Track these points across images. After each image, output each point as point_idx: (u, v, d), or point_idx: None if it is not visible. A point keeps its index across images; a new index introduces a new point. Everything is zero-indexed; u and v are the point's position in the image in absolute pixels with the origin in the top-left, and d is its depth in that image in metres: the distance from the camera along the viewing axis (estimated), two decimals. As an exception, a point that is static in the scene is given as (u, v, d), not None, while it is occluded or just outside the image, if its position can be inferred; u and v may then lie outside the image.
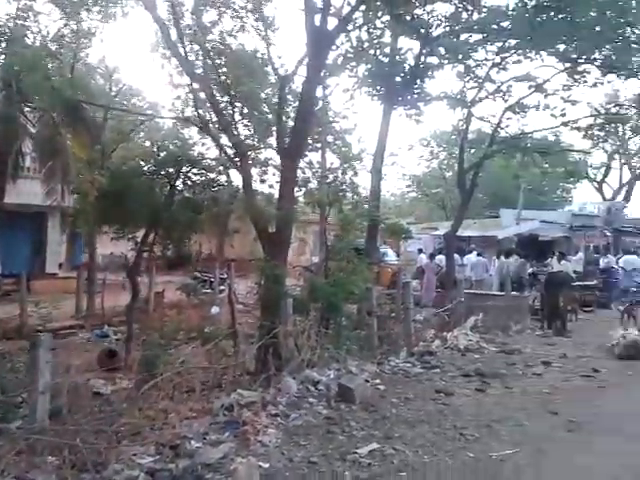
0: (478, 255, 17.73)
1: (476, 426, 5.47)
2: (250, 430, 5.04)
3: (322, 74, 8.00)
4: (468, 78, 9.81)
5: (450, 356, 9.07)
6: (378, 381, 7.15)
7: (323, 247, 10.40)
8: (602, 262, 17.96)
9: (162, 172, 9.15)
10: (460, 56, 8.82)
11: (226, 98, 10.98)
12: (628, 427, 5.53)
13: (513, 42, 8.99)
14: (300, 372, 6.83)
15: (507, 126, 10.87)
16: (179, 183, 9.29)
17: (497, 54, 9.45)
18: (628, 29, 8.48)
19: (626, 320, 11.72)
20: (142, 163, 9.67)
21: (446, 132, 29.82)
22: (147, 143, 21.69)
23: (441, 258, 17.16)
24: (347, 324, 8.68)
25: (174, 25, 8.66)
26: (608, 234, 23.59)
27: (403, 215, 36.79)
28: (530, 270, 16.38)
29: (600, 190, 32.21)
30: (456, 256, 17.32)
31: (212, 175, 9.62)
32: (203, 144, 15.53)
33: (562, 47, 8.75)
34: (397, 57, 9.48)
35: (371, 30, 8.72)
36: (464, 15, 8.49)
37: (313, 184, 13.24)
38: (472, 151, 19.10)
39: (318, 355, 7.26)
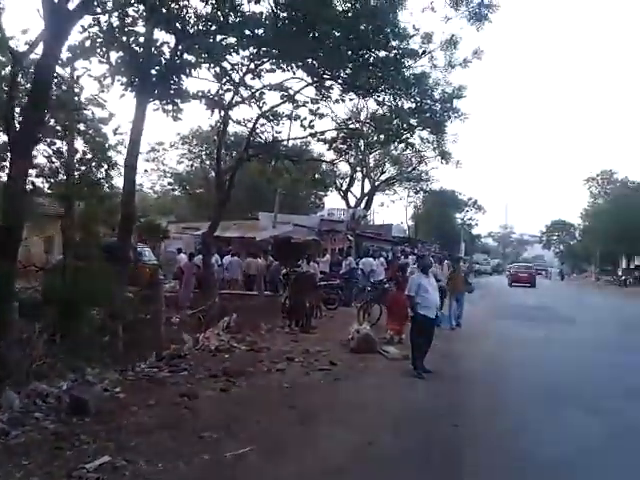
0: (233, 256, 18.06)
1: (216, 427, 5.48)
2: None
3: (61, 55, 7.27)
4: (225, 80, 9.93)
5: (201, 357, 9.01)
6: (119, 389, 6.73)
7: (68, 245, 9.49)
8: (344, 264, 19.80)
9: None
10: (215, 57, 8.86)
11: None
12: (354, 418, 6.10)
13: (266, 50, 9.37)
14: (26, 385, 6.08)
15: (262, 132, 11.32)
16: None
17: (251, 60, 9.75)
18: (367, 52, 9.53)
19: (362, 316, 13.04)
20: None
21: (208, 132, 29.98)
22: None
23: (200, 258, 17.09)
24: (88, 329, 8.02)
25: None
26: (351, 238, 26.31)
27: (164, 213, 35.91)
28: (284, 271, 17.29)
29: (345, 198, 35.57)
30: (216, 256, 17.49)
31: None
32: None
33: (310, 62, 9.40)
34: (153, 49, 9.10)
35: (122, 17, 8.24)
36: (220, 16, 8.56)
37: (62, 175, 11.98)
38: (234, 153, 19.52)
39: (50, 365, 6.54)
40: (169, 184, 37.02)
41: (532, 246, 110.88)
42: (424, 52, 10.68)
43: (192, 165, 36.16)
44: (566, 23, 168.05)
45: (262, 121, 10.94)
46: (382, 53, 9.93)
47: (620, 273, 51.33)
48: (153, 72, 8.75)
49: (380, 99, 11.07)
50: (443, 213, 53.63)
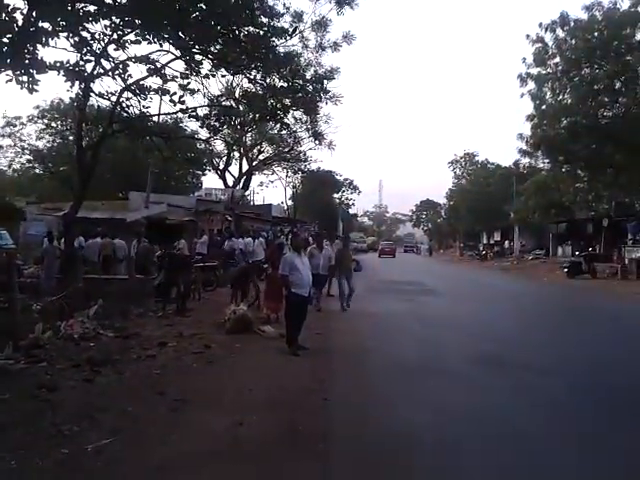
0: (103, 237, 17.05)
1: (77, 419, 5.17)
2: None
3: None
4: (85, 51, 9.20)
5: (62, 347, 8.44)
6: (-37, 387, 6.11)
7: None
8: (226, 245, 19.54)
9: None
10: (72, 26, 8.15)
11: None
12: (226, 400, 6.06)
13: (129, 20, 8.81)
14: None
15: (128, 107, 10.68)
16: None
17: (114, 30, 9.13)
18: (236, 28, 9.30)
19: (238, 297, 12.95)
20: None
21: (68, 105, 27.87)
22: None
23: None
24: None
25: None
26: (229, 218, 25.97)
27: (24, 194, 33.01)
28: (158, 253, 16.66)
29: (223, 178, 34.94)
30: (81, 239, 16.41)
31: None
32: None
33: (177, 35, 9.00)
34: (4, 15, 8.20)
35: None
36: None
37: None
38: (100, 129, 18.31)
39: None
40: (28, 161, 34.00)
41: (404, 224, 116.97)
42: (294, 31, 10.64)
43: (54, 141, 33.46)
44: (436, 13, 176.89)
45: (128, 95, 10.32)
46: (252, 30, 9.77)
47: (481, 248, 55.75)
48: (5, 40, 7.90)
49: (252, 76, 10.91)
50: (321, 193, 54.64)
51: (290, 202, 49.02)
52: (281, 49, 10.53)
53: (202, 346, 8.74)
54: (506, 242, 51.44)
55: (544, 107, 25.42)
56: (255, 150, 34.42)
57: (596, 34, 23.47)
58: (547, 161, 28.65)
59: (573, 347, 9.85)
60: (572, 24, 24.33)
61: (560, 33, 24.80)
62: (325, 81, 12.01)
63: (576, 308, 17.30)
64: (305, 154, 35.96)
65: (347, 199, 65.29)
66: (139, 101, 10.20)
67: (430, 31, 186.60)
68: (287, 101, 11.86)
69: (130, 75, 9.89)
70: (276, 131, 28.17)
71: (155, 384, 6.54)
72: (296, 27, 10.84)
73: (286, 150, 33.38)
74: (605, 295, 20.31)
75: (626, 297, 19.43)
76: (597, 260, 28.22)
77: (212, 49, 9.84)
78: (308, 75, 12.06)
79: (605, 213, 32.73)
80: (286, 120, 14.00)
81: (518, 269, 35.98)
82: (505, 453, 4.70)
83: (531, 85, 26.01)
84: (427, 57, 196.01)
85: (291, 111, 13.00)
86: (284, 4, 11.20)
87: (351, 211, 72.46)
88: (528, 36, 25.67)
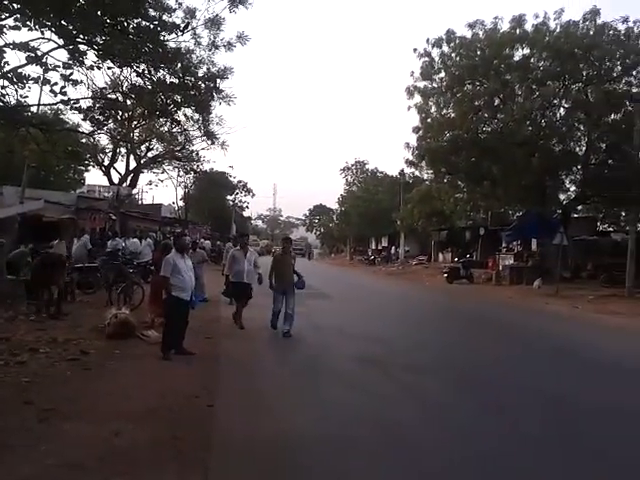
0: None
1: None
2: None
3: None
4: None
5: None
6: None
7: None
8: (110, 244, 18.50)
9: None
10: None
11: None
12: (102, 408, 5.72)
13: (5, 5, 8.08)
14: None
15: (4, 95, 9.77)
16: None
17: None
18: (124, 20, 8.86)
19: (121, 300, 12.34)
20: None
21: None
22: None
23: None
24: None
25: None
26: (114, 217, 24.72)
27: None
28: (26, 250, 15.42)
29: (108, 175, 33.11)
30: None
31: None
32: None
33: (59, 23, 8.38)
34: None
35: None
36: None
37: None
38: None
39: None
40: None
41: (298, 228, 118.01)
42: (186, 27, 10.33)
43: None
44: (332, 21, 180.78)
45: (4, 83, 9.44)
46: (142, 23, 9.35)
47: (370, 253, 57.64)
48: None
49: (140, 70, 10.44)
50: (214, 194, 53.64)
51: (181, 202, 47.65)
52: (172, 44, 10.21)
53: (78, 352, 8.21)
54: (393, 248, 53.51)
55: (429, 120, 26.72)
56: (144, 147, 32.97)
57: (478, 52, 25.06)
58: (431, 171, 30.13)
59: (450, 347, 10.44)
60: (457, 41, 25.78)
61: (446, 49, 26.15)
62: (218, 80, 11.79)
63: (454, 310, 18.38)
64: (197, 154, 35.10)
65: (241, 201, 64.64)
66: (16, 90, 9.37)
67: (324, 41, 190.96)
68: (178, 98, 11.49)
69: (7, 62, 9.06)
70: (167, 128, 27.25)
71: (23, 393, 6.04)
72: (188, 23, 10.52)
73: (177, 148, 32.34)
74: (480, 298, 21.74)
75: (499, 300, 20.96)
76: (474, 266, 30.22)
77: (97, 40, 9.28)
78: (200, 73, 11.78)
79: (482, 222, 35.14)
80: (177, 117, 13.57)
81: (403, 274, 37.56)
82: (392, 452, 4.83)
83: (418, 98, 27.23)
84: (322, 66, 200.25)
85: (182, 108, 12.61)
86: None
87: (245, 214, 71.86)
88: (416, 50, 26.84)
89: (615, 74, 24.05)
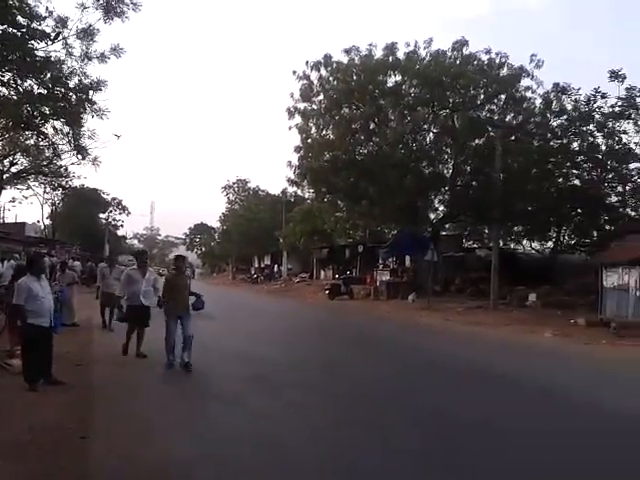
0: None
1: None
2: None
3: None
4: None
5: None
6: None
7: None
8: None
9: None
10: None
11: None
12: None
13: None
14: None
15: None
16: None
17: None
18: None
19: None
20: None
21: None
22: None
23: None
24: None
25: None
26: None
27: None
28: None
29: None
30: None
31: None
32: None
33: None
34: None
35: None
36: None
37: None
38: None
39: None
40: None
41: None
42: (57, 36, 9.75)
43: None
44: (214, 39, 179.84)
45: None
46: (8, 29, 8.68)
47: (252, 272, 57.41)
48: None
49: (5, 79, 9.65)
50: (85, 212, 50.65)
51: (48, 221, 44.43)
52: (41, 53, 9.54)
53: None
54: (275, 266, 53.75)
55: (309, 140, 27.31)
56: (7, 161, 30.42)
57: (354, 77, 26.04)
58: (312, 191, 30.78)
59: (333, 364, 10.62)
60: (334, 65, 26.65)
61: (324, 73, 26.86)
62: (91, 92, 11.18)
63: (336, 326, 18.80)
64: (67, 169, 33.04)
65: (115, 220, 61.52)
66: None
67: (208, 57, 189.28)
68: (46, 109, 10.75)
69: None
70: (33, 141, 25.33)
71: None
72: (59, 32, 9.92)
73: (44, 163, 30.20)
74: (361, 314, 22.48)
75: (378, 315, 21.79)
76: (354, 282, 31.21)
77: None
78: (72, 84, 11.11)
79: (361, 240, 36.45)
80: (44, 129, 12.68)
81: (286, 291, 37.81)
82: (274, 471, 4.79)
83: (298, 119, 27.70)
84: (205, 82, 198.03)
85: (51, 120, 11.80)
86: (47, 7, 10.22)
87: (119, 232, 68.43)
88: (295, 72, 27.39)
89: (479, 102, 26.02)
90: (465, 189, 26.92)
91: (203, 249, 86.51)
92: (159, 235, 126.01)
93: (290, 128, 27.95)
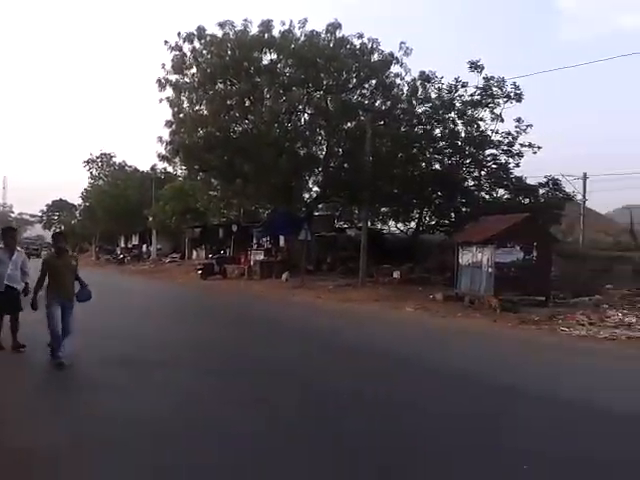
0: None
1: None
2: None
3: None
4: None
5: None
6: None
7: None
8: None
9: None
10: None
11: None
12: None
13: None
14: None
15: None
16: None
17: None
18: None
19: None
20: None
21: None
22: None
23: None
24: None
25: None
26: None
27: None
28: None
29: None
30: None
31: None
32: None
33: None
34: None
35: None
36: None
37: None
38: None
39: None
40: None
41: (33, 226, 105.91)
42: None
43: None
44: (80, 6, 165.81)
45: None
46: None
47: (119, 252, 54.68)
48: None
49: None
50: None
51: None
52: None
53: None
54: (144, 246, 51.67)
55: (182, 115, 26.36)
56: None
57: (229, 52, 25.46)
58: (184, 168, 29.87)
59: (203, 342, 10.53)
60: (208, 38, 25.84)
61: (197, 45, 25.99)
62: None
63: (208, 306, 18.60)
64: None
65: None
66: None
67: (70, 21, 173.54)
68: None
69: None
70: None
71: None
72: None
73: None
74: (234, 293, 22.41)
75: (252, 294, 21.87)
76: (227, 262, 31.00)
77: None
78: None
79: (235, 220, 36.14)
80: None
81: (156, 272, 36.57)
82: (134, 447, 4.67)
83: (170, 91, 26.58)
84: (64, 48, 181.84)
85: None
86: None
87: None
88: (167, 42, 26.20)
89: (351, 85, 26.68)
90: (338, 171, 27.63)
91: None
92: (12, 213, 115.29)
93: (161, 101, 26.82)
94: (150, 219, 44.83)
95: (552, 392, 6.75)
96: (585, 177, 30.82)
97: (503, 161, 25.87)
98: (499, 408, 6.23)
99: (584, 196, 30.66)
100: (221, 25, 25.97)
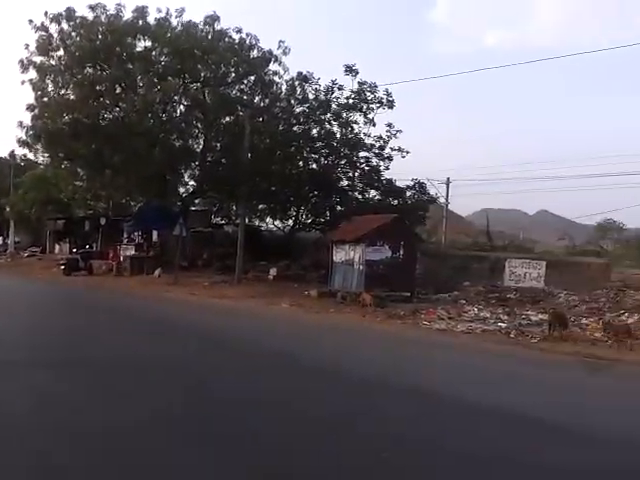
0: None
1: None
2: None
3: None
4: None
5: None
6: None
7: None
8: None
9: None
10: None
11: None
12: None
13: None
14: None
15: None
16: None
17: None
18: None
19: None
20: None
21: None
22: None
23: None
24: None
25: None
26: None
27: None
28: None
29: None
30: None
31: None
32: None
33: None
34: None
35: None
36: None
37: None
38: None
39: None
40: None
41: None
42: None
43: None
44: None
45: None
46: None
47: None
48: None
49: None
50: None
51: None
52: None
53: None
54: (0, 238, 47.34)
55: (46, 99, 24.44)
56: None
57: (100, 36, 24.00)
58: (47, 155, 27.69)
59: (58, 338, 9.96)
60: (78, 20, 24.21)
61: (65, 26, 24.26)
62: None
63: (71, 303, 17.49)
64: None
65: None
66: None
67: None
68: None
69: None
70: None
71: None
72: None
73: None
74: (101, 289, 21.26)
75: (121, 290, 20.87)
76: (94, 257, 29.30)
77: None
78: None
79: (104, 212, 34.18)
80: None
81: (13, 266, 33.71)
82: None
83: (33, 73, 24.58)
84: None
85: None
86: None
87: None
88: (32, 22, 24.23)
89: (229, 80, 26.33)
90: (215, 165, 27.22)
91: None
92: None
93: (23, 83, 24.68)
94: (7, 209, 41.16)
95: (414, 385, 7.22)
96: (448, 182, 33.16)
97: (375, 163, 27.07)
98: (367, 402, 6.52)
99: (447, 199, 32.99)
100: (92, 8, 24.48)
